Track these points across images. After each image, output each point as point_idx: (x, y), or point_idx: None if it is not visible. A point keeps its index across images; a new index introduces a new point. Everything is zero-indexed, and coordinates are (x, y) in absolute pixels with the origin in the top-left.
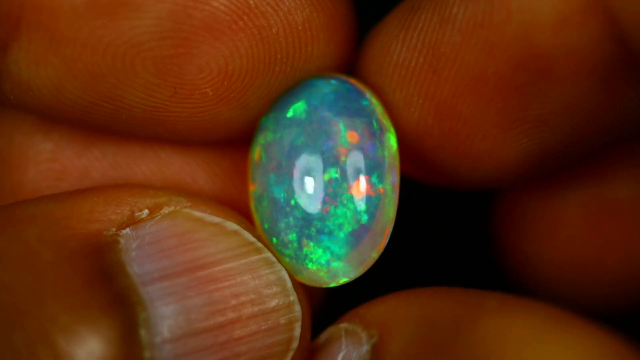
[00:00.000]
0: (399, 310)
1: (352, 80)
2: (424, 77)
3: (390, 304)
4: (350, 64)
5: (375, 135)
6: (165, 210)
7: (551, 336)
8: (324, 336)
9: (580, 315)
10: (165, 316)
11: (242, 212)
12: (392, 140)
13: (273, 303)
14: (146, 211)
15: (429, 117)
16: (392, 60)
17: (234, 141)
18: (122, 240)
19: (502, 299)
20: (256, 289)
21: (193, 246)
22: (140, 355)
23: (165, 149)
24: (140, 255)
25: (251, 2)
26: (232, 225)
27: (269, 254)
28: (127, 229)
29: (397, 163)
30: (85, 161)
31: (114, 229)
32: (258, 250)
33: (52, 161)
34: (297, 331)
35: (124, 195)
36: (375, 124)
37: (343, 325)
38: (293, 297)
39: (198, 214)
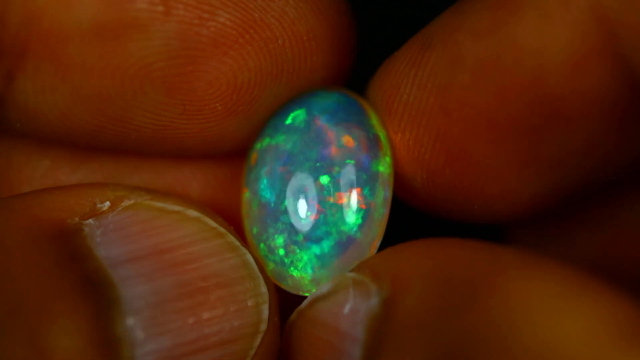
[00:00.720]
0: (413, 264)
1: (354, 95)
2: (435, 118)
3: (404, 256)
4: (350, 74)
5: (371, 148)
6: (126, 202)
7: (569, 303)
8: (327, 285)
9: (601, 278)
10: (135, 296)
11: (234, 222)
12: (387, 157)
13: (239, 286)
14: (107, 203)
15: (440, 158)
16: (402, 99)
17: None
18: (86, 228)
19: (520, 256)
20: (222, 271)
21: (156, 232)
22: (113, 334)
23: (161, 160)
24: (106, 241)
25: (256, 15)
26: (193, 213)
27: (233, 239)
28: (90, 219)
29: (391, 180)
30: (80, 175)
31: (77, 219)
32: (221, 235)
33: (46, 177)
34: (265, 313)
35: (84, 190)
36: (372, 137)
37: (351, 274)
38: (259, 280)
39: (159, 204)
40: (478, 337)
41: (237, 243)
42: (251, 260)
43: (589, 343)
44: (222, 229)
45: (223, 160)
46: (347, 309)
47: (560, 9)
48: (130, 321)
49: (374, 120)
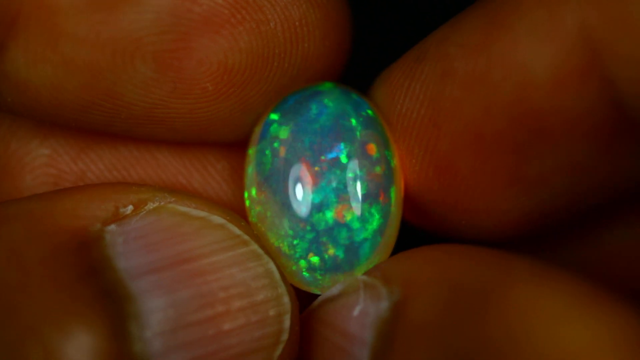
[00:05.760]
0: (424, 269)
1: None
2: (425, 130)
3: (416, 261)
4: (344, 68)
5: (383, 150)
6: (150, 205)
7: (579, 315)
8: (338, 287)
9: (610, 290)
10: (154, 310)
11: (237, 214)
12: (395, 159)
13: (261, 295)
14: (130, 207)
15: (429, 170)
16: (397, 109)
17: (230, 144)
18: (107, 236)
19: (530, 265)
20: (244, 281)
21: (179, 240)
22: (131, 349)
23: (162, 151)
24: (127, 250)
25: None
26: (217, 219)
27: (257, 247)
28: (112, 225)
29: (401, 181)
30: (82, 165)
31: (99, 225)
32: (245, 243)
33: (48, 166)
34: (287, 323)
35: (107, 192)
36: (383, 139)
37: (361, 277)
38: (281, 289)
39: (183, 208)
40: (491, 344)
41: (261, 251)
42: (274, 268)
43: (600, 351)
44: (246, 237)
45: (224, 153)
46: (356, 311)
47: (548, 28)
48: (149, 334)
49: (383, 123)
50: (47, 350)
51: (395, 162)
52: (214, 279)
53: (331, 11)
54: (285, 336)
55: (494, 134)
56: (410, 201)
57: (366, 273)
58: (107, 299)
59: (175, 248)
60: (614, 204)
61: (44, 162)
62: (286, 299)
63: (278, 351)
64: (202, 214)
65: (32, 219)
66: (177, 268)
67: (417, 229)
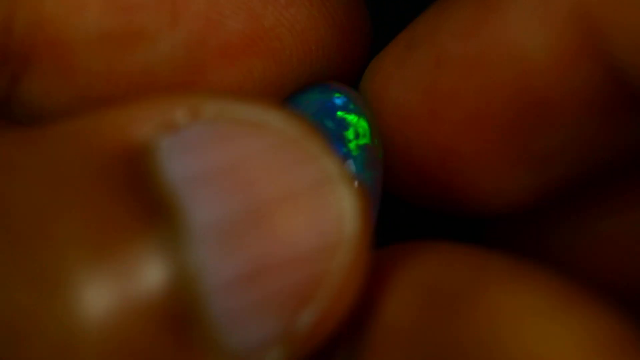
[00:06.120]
0: (400, 269)
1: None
2: (424, 119)
3: (391, 261)
4: (358, 74)
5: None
6: (206, 114)
7: (557, 319)
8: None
9: (591, 291)
10: (208, 219)
11: None
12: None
13: (324, 198)
14: (186, 115)
15: (432, 159)
16: (391, 100)
17: None
18: (161, 147)
19: (508, 266)
20: (302, 183)
21: (235, 146)
22: (185, 263)
23: None
24: (182, 161)
25: (266, 24)
26: (276, 122)
27: (316, 144)
28: (166, 136)
29: None
30: None
31: (152, 136)
32: (303, 142)
33: None
34: (352, 224)
35: (159, 102)
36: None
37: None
38: (345, 189)
39: (240, 114)
40: (462, 347)
41: (320, 150)
42: (336, 168)
43: (574, 357)
44: (305, 137)
45: None
46: None
47: (540, 6)
48: (203, 247)
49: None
50: (101, 263)
51: None
52: (270, 182)
53: (350, 29)
54: (350, 237)
55: (495, 115)
56: (413, 190)
57: None
58: (161, 210)
59: (231, 154)
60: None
61: None
62: (350, 199)
63: (344, 253)
64: (261, 118)
65: (79, 140)
66: (232, 174)
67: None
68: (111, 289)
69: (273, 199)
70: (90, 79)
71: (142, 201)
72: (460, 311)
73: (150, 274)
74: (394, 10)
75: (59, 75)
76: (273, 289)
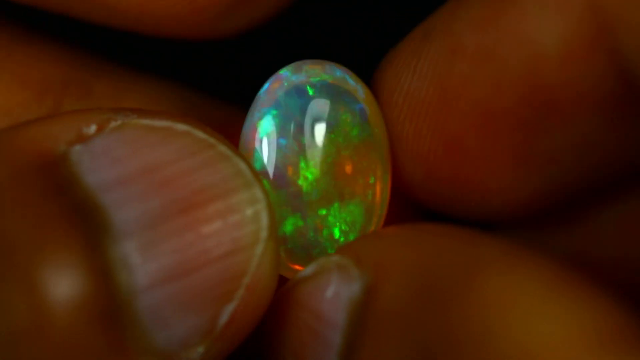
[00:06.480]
0: (395, 251)
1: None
2: (434, 109)
3: (387, 242)
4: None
5: None
6: (113, 124)
7: (548, 306)
8: (311, 267)
9: (589, 276)
10: (128, 219)
11: None
12: None
13: (235, 196)
14: (94, 127)
15: (439, 151)
16: (403, 90)
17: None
18: (73, 155)
19: (503, 250)
20: (216, 183)
21: (146, 150)
22: (107, 261)
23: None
24: (94, 166)
25: None
26: (182, 127)
27: (225, 148)
28: (77, 145)
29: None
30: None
31: (63, 146)
32: (212, 146)
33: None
34: (265, 221)
35: (69, 116)
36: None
37: (335, 258)
38: (256, 187)
39: (145, 121)
40: (453, 337)
41: (230, 152)
42: (245, 167)
43: (564, 348)
44: (213, 140)
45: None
46: (329, 293)
47: (557, 0)
48: (125, 245)
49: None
50: (24, 267)
51: None
52: (184, 184)
53: None
54: (265, 233)
55: (504, 110)
56: (420, 184)
57: (339, 252)
58: (79, 213)
59: (143, 158)
60: (620, 182)
61: None
62: (261, 197)
63: (259, 249)
64: (166, 123)
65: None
66: (146, 177)
67: (425, 211)
68: (45, 286)
69: (189, 197)
70: None
71: (65, 204)
72: (452, 299)
73: (76, 272)
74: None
75: None
76: (194, 284)
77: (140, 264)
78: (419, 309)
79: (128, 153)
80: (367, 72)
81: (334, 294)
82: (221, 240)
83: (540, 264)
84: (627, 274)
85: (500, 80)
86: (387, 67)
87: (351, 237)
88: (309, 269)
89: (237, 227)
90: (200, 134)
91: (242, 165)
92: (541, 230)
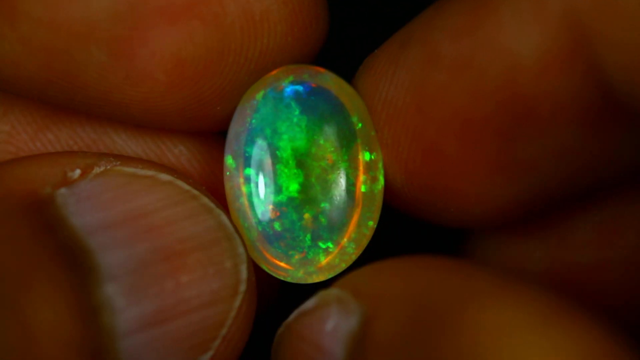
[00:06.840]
0: (390, 284)
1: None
2: (411, 117)
3: (383, 275)
4: (313, 59)
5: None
6: (97, 169)
7: (538, 338)
8: (313, 300)
9: (579, 307)
10: (113, 263)
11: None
12: None
13: (216, 247)
14: (78, 171)
15: (417, 158)
16: (382, 97)
17: (191, 132)
18: (59, 198)
19: (493, 281)
20: (198, 234)
21: (130, 197)
22: (92, 303)
23: (120, 134)
24: (80, 209)
25: None
26: (165, 177)
27: (207, 200)
28: (62, 189)
29: None
30: (40, 144)
31: (49, 188)
32: (195, 197)
33: (7, 143)
34: (244, 274)
35: (54, 158)
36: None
37: (335, 291)
38: (235, 241)
39: (129, 169)
40: None
41: (212, 205)
42: (226, 221)
43: None
44: (196, 191)
45: (181, 138)
46: (329, 326)
47: (533, 10)
48: (109, 288)
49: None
50: (11, 303)
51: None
52: (168, 232)
53: (299, 6)
54: (243, 287)
55: (481, 119)
56: (399, 191)
57: (339, 285)
58: (65, 254)
59: (127, 205)
60: (597, 189)
61: (3, 138)
62: (241, 250)
63: (237, 302)
64: (150, 172)
65: None
66: (131, 223)
67: (405, 218)
68: (33, 319)
69: (172, 245)
70: (32, 25)
71: (53, 244)
72: (445, 330)
73: (62, 309)
74: (391, 9)
75: (2, 18)
76: (173, 331)
77: (124, 307)
78: (412, 340)
79: (113, 199)
80: (345, 78)
81: (333, 328)
82: (201, 290)
83: (530, 295)
84: (604, 280)
85: (477, 89)
86: (365, 73)
87: (335, 238)
88: (310, 302)
89: (217, 279)
90: (183, 184)
91: (224, 219)
92: (520, 236)
